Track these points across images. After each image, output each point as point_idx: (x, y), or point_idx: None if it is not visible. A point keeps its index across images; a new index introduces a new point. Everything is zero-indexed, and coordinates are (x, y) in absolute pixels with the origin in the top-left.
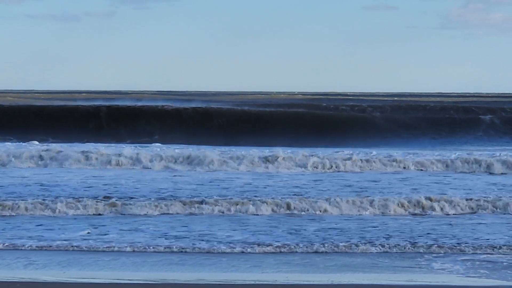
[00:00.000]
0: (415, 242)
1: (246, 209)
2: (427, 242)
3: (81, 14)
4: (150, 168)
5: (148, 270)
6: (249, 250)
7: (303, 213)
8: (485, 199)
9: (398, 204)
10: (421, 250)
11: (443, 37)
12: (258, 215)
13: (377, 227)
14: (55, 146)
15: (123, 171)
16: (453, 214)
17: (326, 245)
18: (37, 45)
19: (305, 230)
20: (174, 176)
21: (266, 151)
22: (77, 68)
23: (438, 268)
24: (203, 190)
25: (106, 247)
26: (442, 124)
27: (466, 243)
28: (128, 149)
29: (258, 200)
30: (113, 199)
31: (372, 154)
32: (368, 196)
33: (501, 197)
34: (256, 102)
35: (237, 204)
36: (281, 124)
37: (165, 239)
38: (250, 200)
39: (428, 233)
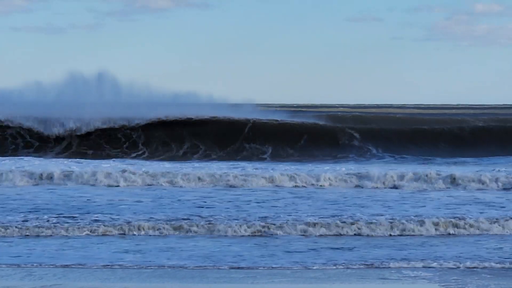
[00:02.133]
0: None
1: None
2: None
3: (67, 26)
4: None
5: (142, 281)
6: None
7: None
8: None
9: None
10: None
11: (428, 49)
12: None
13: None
14: None
15: None
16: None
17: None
18: (22, 57)
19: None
20: None
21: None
22: None
23: (416, 277)
24: None
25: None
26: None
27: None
28: None
29: None
30: None
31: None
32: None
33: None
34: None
35: None
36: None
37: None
38: None
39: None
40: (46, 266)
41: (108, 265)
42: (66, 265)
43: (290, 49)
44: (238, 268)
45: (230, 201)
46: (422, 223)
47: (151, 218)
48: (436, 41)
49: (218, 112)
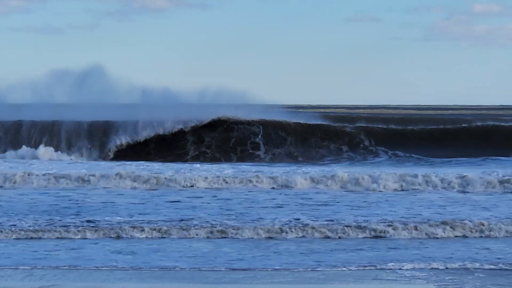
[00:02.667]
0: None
1: None
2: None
3: (65, 27)
4: None
5: (141, 282)
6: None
7: None
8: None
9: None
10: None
11: (427, 49)
12: None
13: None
14: None
15: None
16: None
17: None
18: (21, 58)
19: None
20: None
21: None
22: None
23: (412, 277)
24: None
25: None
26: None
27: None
28: None
29: None
30: None
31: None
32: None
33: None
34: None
35: None
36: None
37: None
38: None
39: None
40: (44, 268)
41: (106, 266)
42: (64, 266)
43: (289, 49)
44: (237, 269)
45: (222, 203)
46: (413, 224)
47: (144, 219)
48: (435, 41)
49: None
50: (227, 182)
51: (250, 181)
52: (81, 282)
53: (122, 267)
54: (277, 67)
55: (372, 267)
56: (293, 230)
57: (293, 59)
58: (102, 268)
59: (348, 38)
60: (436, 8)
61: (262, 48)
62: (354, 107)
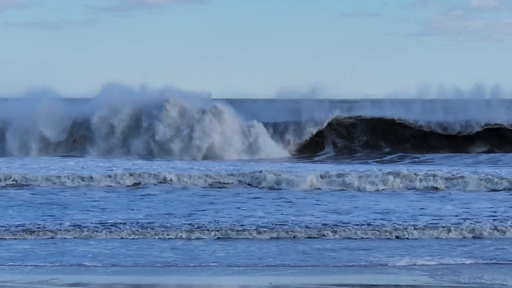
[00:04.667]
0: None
1: None
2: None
3: (62, 22)
4: None
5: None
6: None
7: None
8: None
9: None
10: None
11: (424, 44)
12: None
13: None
14: None
15: None
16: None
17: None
18: (17, 53)
19: None
20: None
21: None
22: (58, 76)
23: (406, 269)
24: None
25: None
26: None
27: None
28: None
29: None
30: None
31: None
32: None
33: None
34: None
35: None
36: None
37: None
38: None
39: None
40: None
41: (101, 264)
42: (64, 263)
43: (286, 44)
44: (235, 266)
45: (212, 202)
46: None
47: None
48: (432, 36)
49: None
50: None
51: None
52: (78, 275)
53: (120, 263)
54: (274, 61)
55: (367, 262)
56: None
57: (289, 54)
58: (101, 265)
59: (345, 33)
60: (433, 3)
61: (260, 42)
62: (351, 101)
